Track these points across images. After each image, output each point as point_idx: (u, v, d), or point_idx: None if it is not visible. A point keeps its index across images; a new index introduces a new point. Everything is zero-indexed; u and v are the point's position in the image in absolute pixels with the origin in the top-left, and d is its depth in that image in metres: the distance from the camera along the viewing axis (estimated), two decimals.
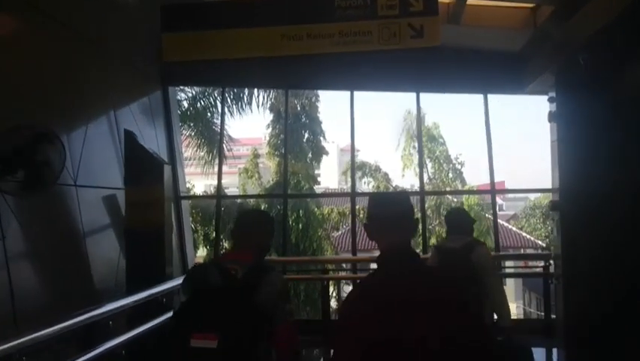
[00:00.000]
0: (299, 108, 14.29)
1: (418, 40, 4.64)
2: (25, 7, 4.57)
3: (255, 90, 13.31)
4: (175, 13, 5.27)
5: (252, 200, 14.45)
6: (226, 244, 13.76)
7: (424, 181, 15.79)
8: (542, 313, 8.08)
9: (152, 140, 7.01)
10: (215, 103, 12.92)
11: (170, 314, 4.60)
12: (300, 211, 13.79)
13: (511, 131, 43.90)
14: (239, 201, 14.23)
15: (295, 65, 7.33)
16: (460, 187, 15.30)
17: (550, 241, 7.30)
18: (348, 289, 10.75)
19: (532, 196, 21.87)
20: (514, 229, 18.65)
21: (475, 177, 20.97)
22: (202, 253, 13.73)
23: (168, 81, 7.71)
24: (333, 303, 10.86)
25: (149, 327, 4.17)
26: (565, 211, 5.88)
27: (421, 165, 8.08)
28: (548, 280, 6.65)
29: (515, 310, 15.70)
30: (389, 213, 1.91)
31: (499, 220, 16.75)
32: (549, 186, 6.52)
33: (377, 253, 1.88)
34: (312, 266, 9.10)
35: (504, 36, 6.85)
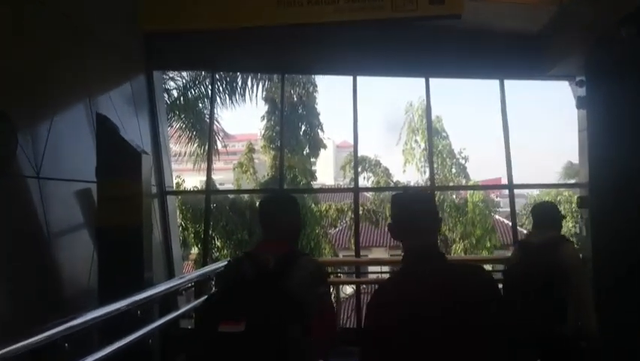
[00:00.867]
0: (295, 99, 13.55)
1: (439, 8, 3.96)
2: None
3: (249, 80, 12.62)
4: None
5: (245, 196, 13.68)
6: (218, 243, 13.13)
7: (427, 177, 15.42)
8: None
9: (134, 128, 6.32)
10: (207, 93, 12.19)
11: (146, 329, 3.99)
12: None
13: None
14: (232, 196, 13.53)
15: (292, 47, 6.74)
16: (463, 183, 14.60)
17: (578, 243, 6.64)
18: (348, 290, 10.12)
19: (534, 192, 21.31)
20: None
21: (477, 172, 20.38)
22: (196, 252, 13.09)
23: (153, 64, 7.02)
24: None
25: (118, 348, 3.46)
26: (596, 209, 5.26)
27: (431, 157, 7.43)
28: None
29: None
30: (414, 212, 1.90)
31: (498, 217, 16.26)
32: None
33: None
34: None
35: (523, 14, 6.18)
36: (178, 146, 13.57)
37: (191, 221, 12.95)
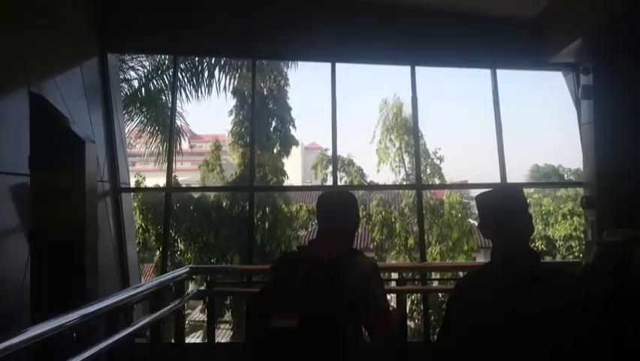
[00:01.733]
0: (265, 92, 12.76)
1: None
2: None
3: (217, 72, 11.82)
4: None
5: (211, 195, 12.81)
6: (181, 246, 12.27)
7: (402, 177, 14.87)
8: None
9: (84, 118, 5.52)
10: (171, 84, 11.32)
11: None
12: (267, 208, 12.32)
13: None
14: (196, 195, 12.63)
15: (264, 29, 6.10)
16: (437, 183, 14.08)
17: (582, 249, 6.17)
18: None
19: None
20: None
21: (451, 172, 19.88)
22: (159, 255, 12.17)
23: (107, 46, 6.22)
24: None
25: None
26: (602, 211, 4.74)
27: (417, 154, 6.81)
28: None
29: None
30: (503, 210, 1.86)
31: (471, 221, 15.85)
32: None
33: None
34: None
35: None
36: (140, 143, 12.68)
37: (152, 222, 12.04)
